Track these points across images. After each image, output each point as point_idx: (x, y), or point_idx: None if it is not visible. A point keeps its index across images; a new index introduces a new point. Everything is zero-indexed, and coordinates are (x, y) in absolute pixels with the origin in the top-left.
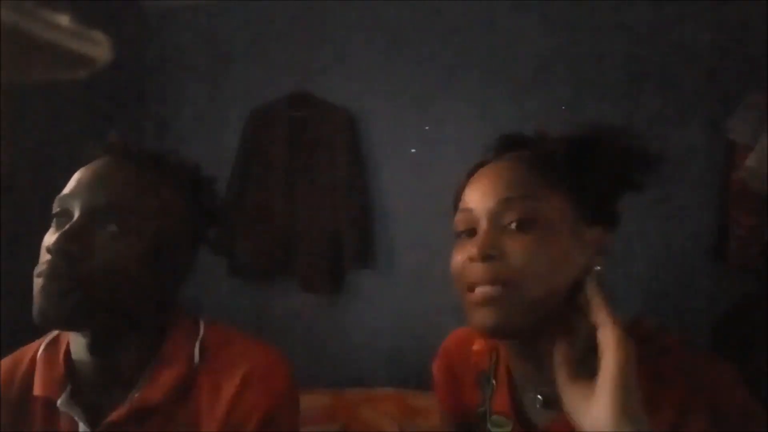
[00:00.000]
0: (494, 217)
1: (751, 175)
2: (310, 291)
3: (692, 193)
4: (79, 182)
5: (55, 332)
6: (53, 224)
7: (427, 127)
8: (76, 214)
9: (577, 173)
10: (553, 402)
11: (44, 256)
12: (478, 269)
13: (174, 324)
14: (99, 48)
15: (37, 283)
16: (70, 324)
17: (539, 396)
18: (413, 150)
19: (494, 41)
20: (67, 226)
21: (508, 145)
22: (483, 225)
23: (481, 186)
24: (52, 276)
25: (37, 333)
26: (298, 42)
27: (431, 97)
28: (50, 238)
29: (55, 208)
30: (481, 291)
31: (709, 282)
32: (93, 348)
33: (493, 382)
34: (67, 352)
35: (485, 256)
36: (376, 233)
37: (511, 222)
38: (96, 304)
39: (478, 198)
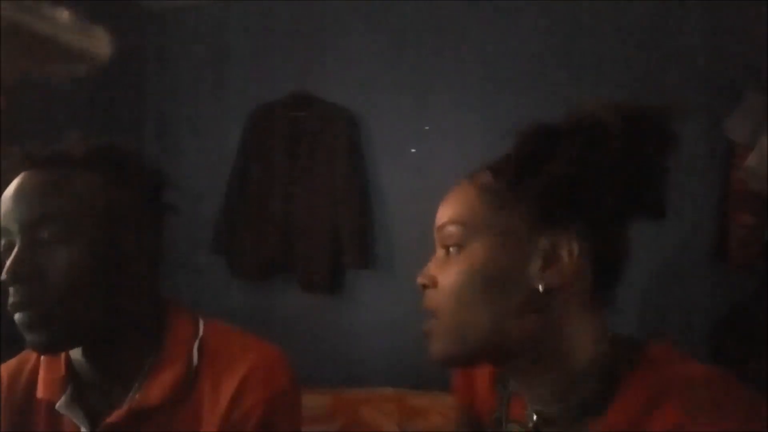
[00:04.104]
0: (439, 243)
1: (751, 175)
2: (310, 291)
3: (692, 193)
4: (8, 205)
5: None
6: (2, 251)
7: (427, 127)
8: (17, 238)
9: (523, 179)
10: (549, 420)
11: (7, 290)
12: (423, 298)
13: (173, 323)
14: (100, 43)
15: (15, 317)
16: (62, 347)
17: (534, 414)
18: (413, 150)
19: (494, 41)
20: (13, 253)
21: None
22: (437, 252)
23: (439, 208)
24: (20, 306)
25: None
26: (298, 42)
27: (431, 97)
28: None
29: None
30: (425, 322)
31: (709, 282)
32: (88, 353)
33: (510, 388)
34: (68, 353)
35: (422, 286)
36: (376, 233)
37: (447, 247)
38: (73, 321)
39: (436, 222)
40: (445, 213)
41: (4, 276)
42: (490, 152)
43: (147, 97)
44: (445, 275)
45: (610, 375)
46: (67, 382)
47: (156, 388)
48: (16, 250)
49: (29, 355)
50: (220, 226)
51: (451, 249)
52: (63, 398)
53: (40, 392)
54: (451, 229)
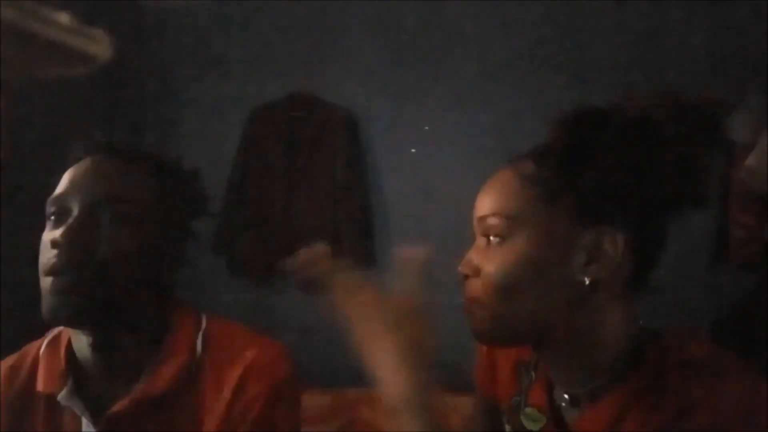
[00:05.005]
0: (480, 232)
1: (751, 175)
2: (310, 291)
3: None
4: (73, 180)
5: (58, 329)
6: (50, 223)
7: (427, 127)
8: (76, 210)
9: (571, 171)
10: (579, 402)
11: (48, 252)
12: (464, 286)
13: (177, 317)
14: (99, 45)
15: (46, 280)
16: (80, 321)
17: (566, 395)
18: (413, 150)
19: (494, 41)
20: (70, 220)
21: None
22: (477, 240)
23: (479, 198)
24: (62, 270)
25: (37, 331)
26: (298, 42)
27: (431, 97)
28: (50, 234)
29: (50, 208)
30: (466, 305)
31: (709, 282)
32: (96, 345)
33: (532, 374)
34: (68, 347)
35: (463, 275)
36: (376, 233)
37: (490, 238)
38: (104, 298)
39: (475, 211)
40: (487, 204)
41: (59, 237)
42: (490, 152)
43: (147, 97)
44: (488, 265)
45: (630, 362)
46: (68, 375)
47: (159, 378)
48: (74, 218)
49: (28, 351)
50: (221, 226)
51: (492, 238)
52: (64, 390)
53: (41, 385)
54: (495, 220)
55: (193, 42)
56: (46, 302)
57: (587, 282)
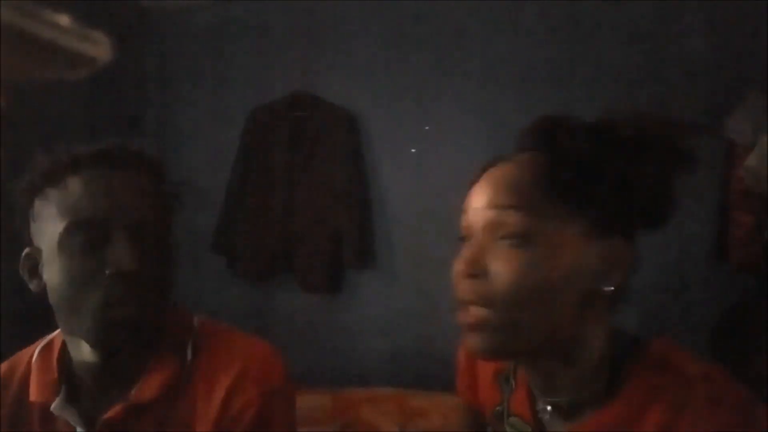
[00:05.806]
0: (486, 227)
1: (751, 175)
2: (310, 291)
3: (692, 193)
4: (103, 201)
5: (50, 336)
6: (87, 246)
7: (427, 127)
8: (118, 235)
9: (585, 181)
10: (562, 411)
11: (109, 281)
12: (464, 286)
13: (169, 321)
14: (100, 47)
15: (111, 314)
16: (128, 347)
17: (548, 407)
18: (413, 150)
19: (494, 41)
20: (120, 246)
21: (532, 141)
22: (476, 235)
23: (482, 188)
24: (127, 302)
25: (37, 333)
26: (298, 42)
27: (431, 97)
28: (93, 261)
29: (84, 232)
30: (470, 313)
31: (709, 282)
32: (104, 357)
33: (513, 382)
34: (61, 355)
35: (468, 274)
36: (376, 233)
37: (503, 236)
38: (151, 321)
39: (476, 202)
40: (505, 196)
41: (127, 267)
42: (490, 152)
43: (147, 97)
44: (502, 267)
45: (617, 370)
46: (61, 384)
47: (151, 385)
48: (125, 244)
49: (19, 360)
50: (221, 226)
51: (502, 237)
52: (57, 400)
53: (33, 395)
54: (520, 216)
55: (194, 43)
56: (105, 331)
57: (606, 290)
